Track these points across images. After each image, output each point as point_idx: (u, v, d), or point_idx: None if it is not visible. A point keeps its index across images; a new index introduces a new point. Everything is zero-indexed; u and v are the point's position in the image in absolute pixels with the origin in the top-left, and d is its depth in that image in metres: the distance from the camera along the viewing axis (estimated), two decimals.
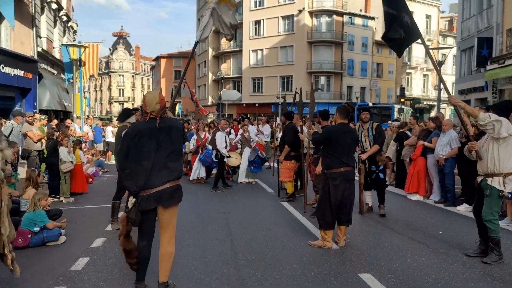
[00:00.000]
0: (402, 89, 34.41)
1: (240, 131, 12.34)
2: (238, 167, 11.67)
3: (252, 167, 11.69)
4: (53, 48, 20.99)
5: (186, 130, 14.73)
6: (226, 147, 10.80)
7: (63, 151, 9.26)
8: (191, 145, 12.22)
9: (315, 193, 7.98)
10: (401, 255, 5.37)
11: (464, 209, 8.03)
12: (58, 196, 9.41)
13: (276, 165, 14.10)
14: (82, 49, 16.23)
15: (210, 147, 11.39)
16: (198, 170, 11.81)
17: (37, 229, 5.88)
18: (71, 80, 15.84)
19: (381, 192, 7.62)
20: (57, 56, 21.39)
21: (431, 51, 9.82)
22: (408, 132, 10.26)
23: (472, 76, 23.96)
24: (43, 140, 10.37)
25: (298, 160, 8.81)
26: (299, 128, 9.39)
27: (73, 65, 15.89)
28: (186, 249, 5.70)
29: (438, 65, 19.60)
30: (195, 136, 12.09)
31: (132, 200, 3.97)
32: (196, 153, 11.97)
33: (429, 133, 9.26)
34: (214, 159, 10.81)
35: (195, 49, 5.97)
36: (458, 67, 26.65)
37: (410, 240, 6.06)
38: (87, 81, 19.79)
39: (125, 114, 6.89)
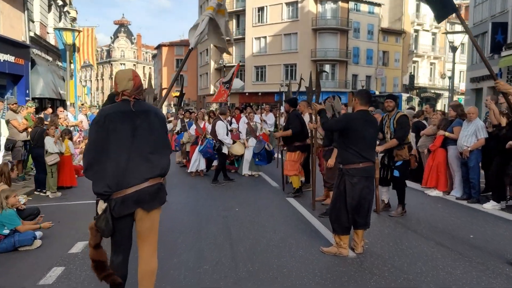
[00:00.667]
0: (412, 77, 33.20)
1: (244, 119, 11.50)
2: (242, 156, 10.85)
3: (257, 160, 10.86)
4: (47, 33, 20.08)
5: (187, 120, 13.94)
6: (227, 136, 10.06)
7: (48, 141, 8.45)
8: (191, 132, 11.40)
9: (326, 189, 7.15)
10: (431, 266, 4.55)
11: (491, 207, 7.20)
12: (44, 191, 8.64)
13: (280, 156, 13.40)
14: (76, 34, 15.34)
15: (211, 137, 10.61)
16: (197, 162, 11.00)
17: (6, 231, 5.10)
18: (69, 67, 15.00)
19: (398, 191, 6.77)
20: (52, 42, 20.49)
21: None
22: (424, 122, 9.38)
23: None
24: (29, 130, 9.56)
25: (304, 151, 8.01)
26: (307, 116, 8.61)
27: (67, 50, 15.02)
28: (179, 256, 4.91)
29: (452, 50, 18.61)
30: (194, 126, 11.25)
31: (102, 205, 3.12)
32: (196, 143, 11.15)
33: (449, 123, 8.40)
34: (214, 151, 9.99)
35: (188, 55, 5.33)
36: (469, 54, 25.62)
37: (438, 246, 5.23)
38: (80, 67, 18.79)
39: (110, 99, 6.04)
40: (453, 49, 17.44)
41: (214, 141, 9.89)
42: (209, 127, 11.05)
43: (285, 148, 8.51)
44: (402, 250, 5.07)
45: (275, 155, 13.25)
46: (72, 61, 15.85)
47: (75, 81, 15.98)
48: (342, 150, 4.94)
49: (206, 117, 11.90)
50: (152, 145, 3.21)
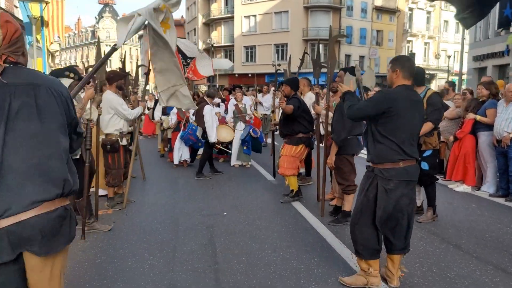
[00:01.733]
0: (412, 55, 31.59)
1: (233, 101, 10.00)
2: (231, 144, 9.40)
3: (245, 148, 9.40)
4: (15, 7, 18.18)
5: None
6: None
7: None
8: (171, 119, 9.85)
9: (340, 191, 5.67)
10: None
11: None
12: None
13: (275, 142, 11.92)
14: (44, 5, 13.59)
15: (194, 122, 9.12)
16: (180, 151, 9.51)
17: None
18: (36, 44, 13.27)
19: (426, 189, 5.37)
20: (20, 16, 18.56)
21: None
22: (449, 103, 7.93)
23: (489, 41, 21.57)
24: None
25: (309, 145, 6.50)
26: (308, 98, 7.17)
27: (33, 24, 13.25)
28: None
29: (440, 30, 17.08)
30: (175, 109, 9.71)
31: None
32: (178, 129, 9.64)
33: (480, 104, 7.00)
34: (201, 138, 8.48)
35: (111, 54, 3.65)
36: (473, 31, 24.18)
37: (500, 271, 3.84)
38: (50, 44, 16.97)
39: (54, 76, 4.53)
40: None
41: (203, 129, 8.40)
42: (192, 111, 9.51)
43: (285, 140, 6.81)
44: (453, 280, 3.67)
45: (266, 141, 11.84)
46: (39, 37, 14.09)
47: (44, 60, 14.26)
48: (375, 142, 3.48)
49: None
50: (44, 144, 1.79)
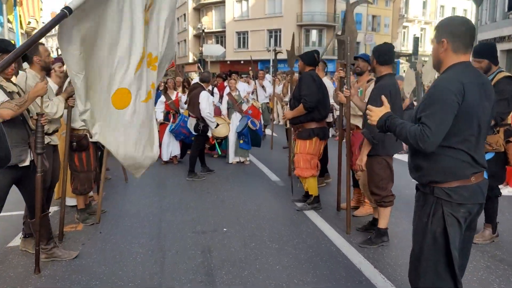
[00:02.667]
0: (416, 40, 30.32)
1: (227, 89, 8.78)
2: (226, 139, 8.21)
3: (241, 142, 8.20)
4: None
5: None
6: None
7: None
8: (158, 110, 8.58)
9: (373, 202, 4.49)
10: None
11: None
12: None
13: (275, 134, 10.75)
14: None
15: (184, 112, 7.93)
16: (170, 147, 8.29)
17: None
18: (7, 25, 11.93)
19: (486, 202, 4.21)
20: None
21: None
22: None
23: (496, 24, 20.48)
24: None
25: (324, 137, 5.34)
26: (330, 83, 6.05)
27: (3, 3, 11.88)
28: None
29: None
30: (163, 98, 8.45)
31: None
32: (167, 120, 8.40)
33: None
34: (194, 132, 7.26)
35: None
36: (479, 13, 23.01)
37: None
38: (27, 24, 15.48)
39: None
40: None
41: (197, 119, 7.14)
42: (183, 99, 8.30)
43: (295, 133, 5.67)
44: None
45: (265, 132, 10.65)
46: (12, 17, 12.71)
47: (17, 42, 12.87)
48: (437, 151, 2.28)
49: (180, 89, 9.10)
50: None
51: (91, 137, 4.72)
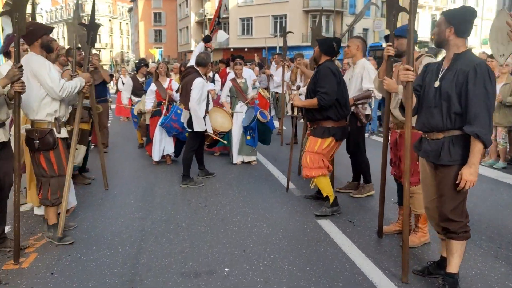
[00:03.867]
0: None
1: (230, 75, 7.42)
2: (229, 133, 6.80)
3: (248, 138, 6.87)
4: None
5: (146, 76, 9.74)
6: (207, 105, 5.88)
7: None
8: (147, 100, 7.22)
9: (442, 232, 3.12)
10: None
11: None
12: None
13: (284, 127, 9.39)
14: None
15: (179, 103, 6.60)
16: (162, 144, 6.98)
17: None
18: None
19: None
20: None
21: None
22: None
23: None
24: None
25: (342, 137, 4.45)
26: (361, 68, 4.84)
27: None
28: None
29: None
30: (153, 86, 7.10)
31: None
32: (158, 113, 7.08)
33: None
34: (187, 127, 5.91)
35: None
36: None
37: None
38: (3, 5, 14.01)
39: None
40: None
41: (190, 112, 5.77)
42: (175, 87, 6.98)
43: (309, 128, 4.63)
44: None
45: (279, 128, 9.32)
46: None
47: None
48: None
49: (174, 75, 7.76)
50: None
51: (59, 132, 3.65)
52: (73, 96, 3.90)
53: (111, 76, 9.25)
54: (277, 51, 25.62)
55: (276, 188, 5.61)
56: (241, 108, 6.98)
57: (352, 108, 4.85)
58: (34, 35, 3.63)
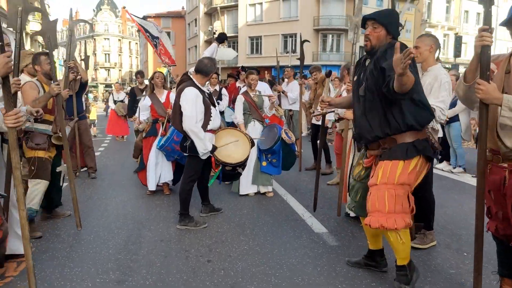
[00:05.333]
0: (458, 39, 27.01)
1: (242, 89, 6.15)
2: (242, 165, 5.14)
3: (264, 164, 5.54)
4: None
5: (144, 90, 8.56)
6: (209, 124, 4.49)
7: None
8: (141, 117, 5.95)
9: None
10: None
11: None
12: None
13: (298, 147, 8.03)
14: None
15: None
16: (159, 170, 5.70)
17: None
18: None
19: None
20: None
21: None
22: None
23: None
24: None
25: (431, 157, 2.91)
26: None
27: None
28: None
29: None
30: (148, 100, 5.83)
31: None
32: (153, 134, 5.80)
33: None
34: (181, 151, 4.58)
35: None
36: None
37: None
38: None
39: None
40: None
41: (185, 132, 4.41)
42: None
43: (373, 153, 3.02)
44: None
45: (297, 151, 7.98)
46: None
47: None
48: None
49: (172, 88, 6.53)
50: None
51: None
52: None
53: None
54: (288, 66, 24.55)
55: (302, 232, 4.26)
56: (254, 127, 5.70)
57: None
58: None
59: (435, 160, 3.78)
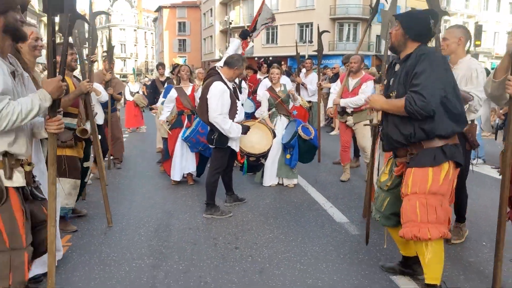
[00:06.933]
0: (479, 28, 26.24)
1: (266, 83, 6.28)
2: (265, 155, 5.39)
3: (288, 156, 5.69)
4: None
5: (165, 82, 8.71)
6: (234, 116, 4.65)
7: None
8: (165, 109, 6.15)
9: None
10: None
11: None
12: None
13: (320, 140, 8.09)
14: None
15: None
16: (183, 161, 5.89)
17: None
18: None
19: None
20: None
21: None
22: None
23: None
24: None
25: (461, 162, 2.76)
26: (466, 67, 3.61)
27: None
28: None
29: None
30: (173, 93, 6.02)
31: None
32: (179, 125, 6.00)
33: None
34: (208, 143, 4.77)
35: None
36: None
37: None
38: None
39: None
40: None
41: (211, 125, 4.59)
42: (198, 94, 5.86)
43: (403, 159, 2.89)
44: None
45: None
46: None
47: None
48: None
49: (197, 81, 6.69)
50: None
51: (9, 177, 2.20)
52: (35, 123, 2.41)
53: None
54: (306, 58, 24.49)
55: (324, 222, 4.42)
56: (281, 122, 5.84)
57: None
58: None
59: (473, 154, 3.74)
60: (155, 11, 76.30)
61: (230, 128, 4.39)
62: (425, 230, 2.62)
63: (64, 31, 2.75)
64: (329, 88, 8.43)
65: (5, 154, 2.17)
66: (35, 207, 2.38)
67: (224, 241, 3.88)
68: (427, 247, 2.68)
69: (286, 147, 5.60)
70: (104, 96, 5.95)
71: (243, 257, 3.52)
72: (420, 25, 2.79)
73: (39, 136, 2.46)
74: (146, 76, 46.56)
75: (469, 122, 3.57)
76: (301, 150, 5.60)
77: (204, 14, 53.16)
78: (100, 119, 5.78)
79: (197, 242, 3.87)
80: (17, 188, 2.22)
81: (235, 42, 5.13)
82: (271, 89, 5.86)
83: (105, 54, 7.65)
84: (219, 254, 3.59)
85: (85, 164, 4.36)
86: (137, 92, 12.26)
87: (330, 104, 6.19)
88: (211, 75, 4.58)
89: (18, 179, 2.23)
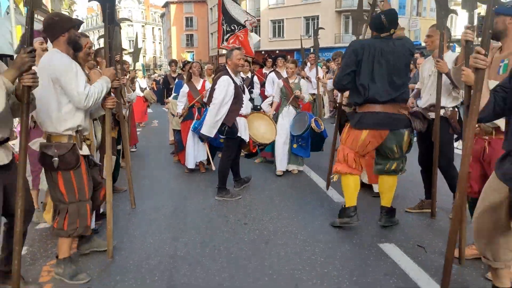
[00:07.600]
0: (481, 19, 26.60)
1: (274, 77, 6.73)
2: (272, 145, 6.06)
3: (295, 146, 6.18)
4: None
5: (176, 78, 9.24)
6: (241, 110, 5.17)
7: None
8: (179, 104, 6.68)
9: None
10: None
11: None
12: None
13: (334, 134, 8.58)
14: None
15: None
16: (196, 150, 6.42)
17: None
18: (8, 11, 10.45)
19: None
20: None
21: None
22: None
23: None
24: None
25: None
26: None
27: None
28: None
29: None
30: (185, 88, 6.55)
31: None
32: (190, 117, 6.52)
33: None
34: (220, 134, 5.29)
35: None
36: None
37: None
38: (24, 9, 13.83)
39: None
40: None
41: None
42: (208, 90, 6.38)
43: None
44: None
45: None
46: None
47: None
48: None
49: (207, 77, 7.18)
50: None
51: (81, 148, 3.05)
52: (98, 104, 3.26)
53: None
54: (311, 52, 24.87)
55: (323, 202, 4.93)
56: (288, 112, 6.32)
57: (442, 111, 4.04)
58: (58, 28, 2.96)
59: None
60: (163, 7, 76.78)
61: (216, 123, 4.93)
62: (335, 166, 4.06)
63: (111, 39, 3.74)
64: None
65: (77, 130, 3.04)
66: (94, 173, 3.32)
67: (234, 218, 4.41)
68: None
69: (295, 137, 6.07)
70: (133, 95, 6.64)
71: (251, 231, 4.04)
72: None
73: (97, 114, 3.50)
74: (155, 72, 47.13)
75: (451, 109, 4.08)
76: (312, 141, 6.09)
77: (211, 9, 53.54)
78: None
79: (210, 219, 4.41)
80: (84, 156, 3.13)
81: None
82: (286, 80, 6.31)
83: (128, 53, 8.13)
84: (230, 228, 4.13)
85: (118, 147, 5.14)
86: (145, 88, 12.79)
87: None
88: (220, 70, 5.13)
89: (86, 150, 3.16)
